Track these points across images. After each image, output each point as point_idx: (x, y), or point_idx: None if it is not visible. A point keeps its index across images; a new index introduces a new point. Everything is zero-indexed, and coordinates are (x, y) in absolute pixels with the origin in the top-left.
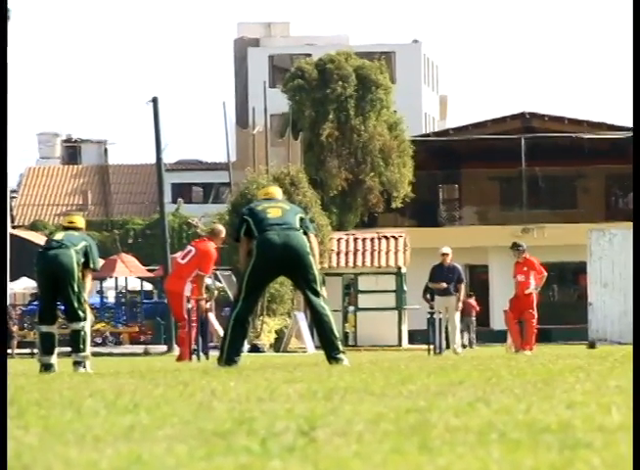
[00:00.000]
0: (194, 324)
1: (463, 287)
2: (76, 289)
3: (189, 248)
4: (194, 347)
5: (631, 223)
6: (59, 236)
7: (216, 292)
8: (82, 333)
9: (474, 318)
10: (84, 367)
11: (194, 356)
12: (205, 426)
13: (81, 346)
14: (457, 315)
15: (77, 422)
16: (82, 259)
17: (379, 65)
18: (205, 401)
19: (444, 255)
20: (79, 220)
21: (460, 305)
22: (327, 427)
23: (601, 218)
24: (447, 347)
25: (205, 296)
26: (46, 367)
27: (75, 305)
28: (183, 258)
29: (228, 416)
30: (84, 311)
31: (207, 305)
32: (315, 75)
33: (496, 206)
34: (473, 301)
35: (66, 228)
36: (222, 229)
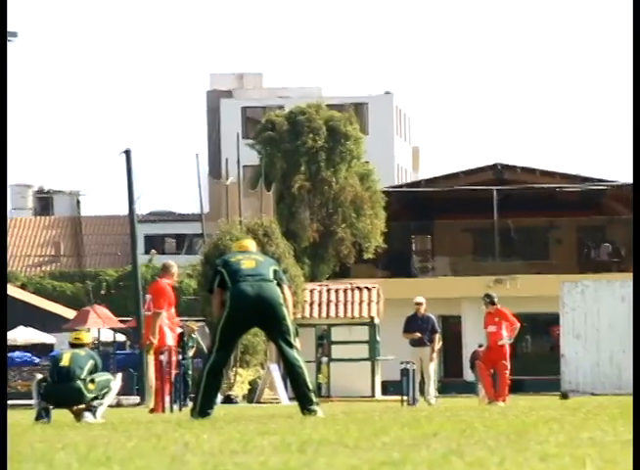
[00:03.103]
0: (167, 376)
1: (437, 337)
2: (91, 399)
3: (146, 297)
4: (167, 399)
5: (603, 275)
6: (65, 360)
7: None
8: (107, 389)
9: None
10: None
11: (167, 407)
12: None
13: (100, 394)
14: (431, 366)
15: None
16: (90, 383)
17: (348, 116)
18: (178, 454)
19: (418, 304)
20: (86, 337)
21: (434, 355)
22: None
23: (573, 270)
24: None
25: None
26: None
27: (94, 403)
28: (148, 310)
29: (201, 469)
30: (100, 397)
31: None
32: (286, 127)
33: (469, 256)
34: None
35: (72, 345)
36: (173, 264)
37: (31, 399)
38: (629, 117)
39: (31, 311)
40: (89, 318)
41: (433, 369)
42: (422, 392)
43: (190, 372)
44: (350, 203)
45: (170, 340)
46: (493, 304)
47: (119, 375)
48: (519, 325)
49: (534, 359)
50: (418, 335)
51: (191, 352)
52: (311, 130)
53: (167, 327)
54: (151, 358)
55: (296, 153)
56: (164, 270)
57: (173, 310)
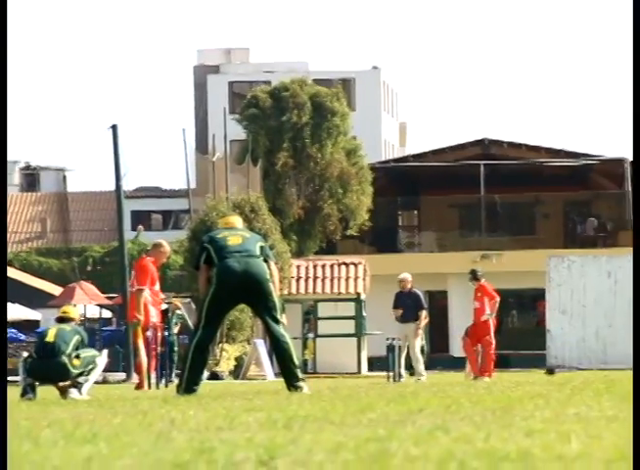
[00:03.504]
0: (153, 352)
1: (424, 313)
2: (76, 375)
3: (132, 273)
4: (153, 375)
5: (589, 250)
6: (51, 335)
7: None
8: (92, 365)
9: None
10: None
11: (154, 383)
12: (165, 456)
13: (86, 370)
14: (417, 342)
15: (35, 453)
16: (75, 359)
17: (335, 91)
18: (164, 431)
19: (401, 281)
20: (73, 312)
21: (420, 331)
22: (287, 456)
23: (559, 245)
24: (411, 373)
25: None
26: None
27: (80, 379)
28: (132, 287)
29: (187, 446)
30: (85, 373)
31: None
32: (270, 104)
33: (455, 232)
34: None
35: (59, 320)
36: (163, 243)
37: (17, 375)
38: (617, 93)
39: (17, 288)
40: (75, 295)
41: (419, 345)
42: (407, 367)
43: (176, 349)
44: (337, 178)
45: (155, 317)
46: (477, 279)
47: (105, 351)
48: (498, 299)
49: (520, 335)
50: (399, 312)
51: (176, 329)
52: (296, 106)
53: (151, 304)
54: (139, 340)
55: (280, 129)
56: (152, 248)
57: (158, 287)
